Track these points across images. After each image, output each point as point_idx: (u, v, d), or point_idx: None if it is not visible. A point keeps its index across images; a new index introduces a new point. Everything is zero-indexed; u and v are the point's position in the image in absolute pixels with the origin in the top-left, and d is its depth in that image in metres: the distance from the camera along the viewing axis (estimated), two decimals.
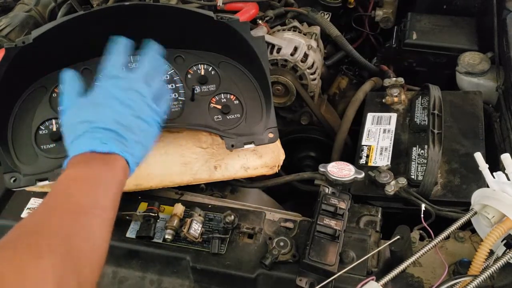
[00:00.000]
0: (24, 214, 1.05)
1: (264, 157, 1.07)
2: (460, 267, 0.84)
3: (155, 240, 0.96)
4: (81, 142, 0.72)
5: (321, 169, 1.01)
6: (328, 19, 1.53)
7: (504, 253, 0.79)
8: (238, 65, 1.07)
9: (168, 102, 0.86)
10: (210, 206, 1.02)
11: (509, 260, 0.77)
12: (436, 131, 1.09)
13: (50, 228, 0.61)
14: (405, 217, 1.03)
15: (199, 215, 0.96)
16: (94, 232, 0.65)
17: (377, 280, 0.75)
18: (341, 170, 1.00)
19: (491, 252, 0.78)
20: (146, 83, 0.79)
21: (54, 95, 1.01)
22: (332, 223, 0.89)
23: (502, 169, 0.83)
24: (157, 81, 0.83)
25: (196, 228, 0.94)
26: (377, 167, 1.05)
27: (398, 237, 0.83)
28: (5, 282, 0.52)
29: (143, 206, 1.00)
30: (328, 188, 0.96)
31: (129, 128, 0.74)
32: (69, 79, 0.82)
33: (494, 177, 0.83)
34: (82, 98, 0.78)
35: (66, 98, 0.80)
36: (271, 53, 1.31)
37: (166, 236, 0.95)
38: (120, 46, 0.84)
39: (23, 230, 0.61)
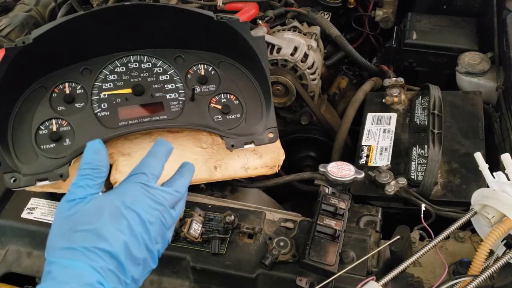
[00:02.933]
0: (24, 214, 1.05)
1: (264, 157, 1.07)
2: (460, 267, 0.84)
3: None
4: (71, 264, 0.58)
5: (321, 169, 1.01)
6: (328, 19, 1.53)
7: (504, 253, 0.79)
8: (238, 65, 1.07)
9: (171, 234, 0.75)
10: (210, 206, 1.02)
11: (509, 260, 0.77)
12: (436, 131, 1.09)
13: None
14: (405, 217, 1.04)
15: (199, 215, 0.96)
16: None
17: (377, 280, 0.75)
18: (341, 170, 1.00)
19: (491, 252, 0.78)
20: (172, 207, 0.70)
21: (54, 95, 1.01)
22: (332, 223, 0.89)
23: (502, 169, 0.83)
24: (180, 209, 0.74)
25: (196, 228, 0.94)
26: (377, 167, 1.05)
27: (398, 237, 0.83)
28: None
29: None
30: (328, 188, 0.96)
31: (134, 260, 0.62)
32: (96, 154, 0.68)
33: (494, 177, 0.83)
34: (102, 197, 0.65)
35: (86, 186, 0.65)
36: (271, 53, 1.31)
37: None
38: (162, 149, 0.74)
39: None
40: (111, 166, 1.03)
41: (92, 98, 1.01)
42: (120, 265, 0.60)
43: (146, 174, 0.69)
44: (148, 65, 1.05)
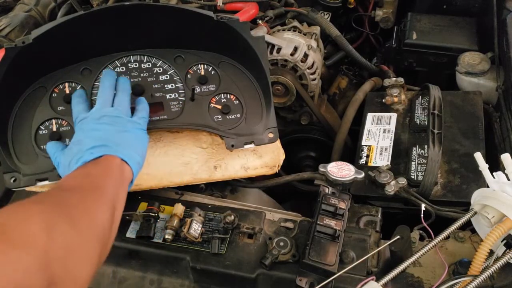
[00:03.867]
0: None
1: (264, 157, 1.07)
2: (460, 267, 0.84)
3: (155, 240, 0.96)
4: (75, 165, 0.82)
5: (321, 169, 1.01)
6: (328, 19, 1.53)
7: (504, 253, 0.79)
8: (238, 65, 1.07)
9: (146, 108, 0.95)
10: (210, 206, 1.02)
11: (509, 260, 0.77)
12: (436, 131, 1.09)
13: (47, 196, 0.71)
14: (405, 217, 1.04)
15: (199, 215, 0.96)
16: (92, 206, 0.72)
17: (377, 280, 0.75)
18: (341, 170, 1.00)
19: (491, 252, 0.78)
20: (113, 106, 0.90)
21: (54, 95, 1.01)
22: (332, 223, 0.89)
23: (502, 169, 0.83)
24: (123, 99, 0.93)
25: (196, 228, 0.94)
26: (377, 167, 1.05)
27: (398, 237, 0.83)
28: None
29: (143, 206, 1.00)
30: (328, 188, 0.96)
31: (112, 140, 0.84)
32: (51, 146, 0.92)
33: (494, 177, 0.83)
34: (66, 147, 0.89)
35: (56, 156, 0.89)
36: (271, 53, 1.31)
37: (166, 236, 0.95)
38: (76, 99, 0.95)
39: (28, 200, 0.68)
40: None
41: (92, 98, 1.01)
42: (103, 145, 0.83)
43: (77, 117, 0.90)
44: (148, 65, 1.05)
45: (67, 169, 0.83)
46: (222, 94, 1.05)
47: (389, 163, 1.12)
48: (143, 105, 0.95)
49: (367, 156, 1.16)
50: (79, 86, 1.02)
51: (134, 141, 0.88)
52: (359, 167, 1.10)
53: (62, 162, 0.86)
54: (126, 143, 0.85)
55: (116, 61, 1.04)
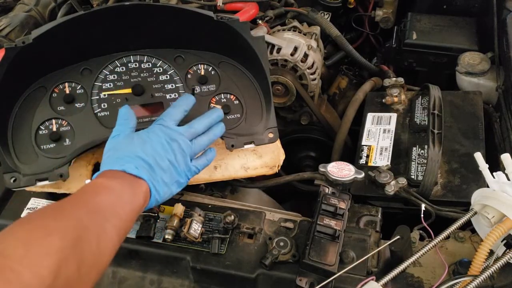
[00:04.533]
0: (24, 214, 1.05)
1: (264, 157, 1.07)
2: (460, 267, 0.84)
3: (155, 240, 0.96)
4: (119, 163, 0.82)
5: (321, 169, 1.01)
6: (328, 19, 1.53)
7: (504, 253, 0.79)
8: (238, 65, 1.07)
9: (207, 163, 0.94)
10: (210, 206, 1.02)
11: (509, 260, 0.77)
12: (436, 131, 1.09)
13: (67, 216, 0.67)
14: (405, 217, 1.04)
15: (199, 215, 0.96)
16: (106, 234, 0.70)
17: (377, 280, 0.75)
18: (341, 170, 1.00)
19: (491, 252, 0.78)
20: (192, 141, 0.90)
21: (54, 95, 1.01)
22: (332, 223, 0.89)
23: (502, 169, 0.83)
24: (203, 144, 0.92)
25: (196, 228, 0.94)
26: (377, 167, 1.05)
27: (398, 237, 0.83)
28: (12, 252, 0.57)
29: None
30: (328, 188, 0.96)
31: (162, 168, 0.84)
32: (126, 113, 0.91)
33: (494, 177, 0.83)
34: (134, 134, 0.89)
35: (120, 129, 0.89)
36: (271, 53, 1.31)
37: (166, 236, 0.95)
38: (184, 103, 0.94)
39: (42, 213, 0.69)
40: None
41: (92, 98, 1.01)
42: (149, 166, 0.83)
43: (163, 119, 0.90)
44: (148, 65, 1.05)
45: (112, 156, 0.84)
46: (222, 94, 1.05)
47: (389, 163, 1.12)
48: (208, 157, 0.94)
49: (367, 156, 1.16)
50: (79, 86, 1.02)
51: (174, 183, 0.87)
52: (359, 167, 1.10)
53: (117, 142, 0.86)
54: (167, 180, 0.85)
55: (116, 61, 1.04)
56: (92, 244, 0.67)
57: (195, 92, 1.03)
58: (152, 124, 0.90)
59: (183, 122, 0.93)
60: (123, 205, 0.76)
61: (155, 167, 0.83)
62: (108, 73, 1.03)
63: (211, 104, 1.04)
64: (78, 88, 1.02)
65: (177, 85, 1.04)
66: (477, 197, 0.85)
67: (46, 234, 0.61)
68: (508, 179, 0.81)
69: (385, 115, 1.25)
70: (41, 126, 0.98)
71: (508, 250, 0.79)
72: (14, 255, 0.57)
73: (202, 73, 1.07)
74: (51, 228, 0.63)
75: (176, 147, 0.87)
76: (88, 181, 0.95)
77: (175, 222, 0.95)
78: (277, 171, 1.08)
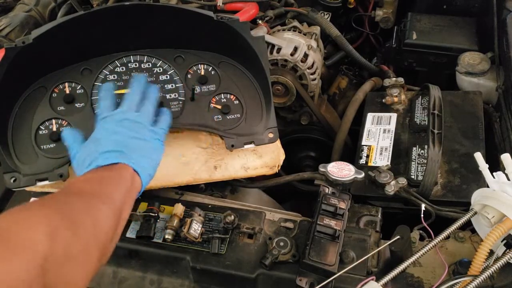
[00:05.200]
0: None
1: (264, 157, 1.07)
2: (460, 267, 0.84)
3: (155, 240, 0.96)
4: (87, 165, 0.82)
5: (321, 169, 1.01)
6: (328, 19, 1.53)
7: (504, 253, 0.79)
8: (238, 65, 1.07)
9: (168, 120, 0.94)
10: (210, 206, 1.02)
11: (509, 260, 0.77)
12: (436, 131, 1.09)
13: (55, 199, 0.71)
14: (405, 217, 1.04)
15: (199, 215, 0.96)
16: (98, 213, 0.72)
17: (377, 280, 0.75)
18: (341, 170, 1.00)
19: (491, 252, 0.78)
20: (137, 110, 0.90)
21: (54, 95, 1.01)
22: (332, 223, 0.89)
23: (502, 169, 0.83)
24: (149, 107, 0.92)
25: (196, 228, 0.94)
26: (377, 167, 1.05)
27: (398, 237, 0.83)
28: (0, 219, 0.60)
29: (143, 206, 1.00)
30: (328, 188, 0.96)
31: (130, 147, 0.84)
32: (70, 134, 0.91)
33: (494, 177, 0.83)
34: (86, 141, 0.89)
35: (73, 148, 0.89)
36: (271, 53, 1.31)
37: (166, 236, 0.95)
38: (104, 92, 0.93)
39: (33, 201, 0.70)
40: None
41: (92, 98, 1.01)
42: (118, 152, 0.83)
43: (100, 113, 0.90)
44: (148, 65, 1.05)
45: (81, 167, 0.84)
46: (222, 94, 1.05)
47: (389, 163, 1.12)
48: (165, 117, 0.95)
49: (367, 156, 1.16)
50: (79, 86, 1.02)
51: (150, 151, 0.87)
52: (359, 167, 1.10)
53: (77, 158, 0.87)
54: (141, 152, 0.85)
55: (116, 61, 1.04)
56: (84, 219, 0.68)
57: (195, 92, 1.03)
58: (95, 125, 0.90)
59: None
60: (108, 186, 0.77)
61: (124, 150, 0.83)
62: (108, 73, 1.03)
63: (211, 105, 1.04)
64: (78, 88, 1.02)
65: (177, 85, 1.04)
66: (477, 197, 0.85)
67: (31, 213, 0.63)
68: (508, 179, 0.81)
69: (385, 115, 1.25)
70: (41, 126, 0.98)
71: (508, 250, 0.79)
72: (1, 226, 0.58)
73: (202, 73, 1.07)
74: (35, 208, 0.66)
75: (128, 124, 0.87)
76: None
77: (175, 222, 0.95)
78: (277, 171, 1.08)
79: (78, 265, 0.64)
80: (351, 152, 1.33)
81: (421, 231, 0.93)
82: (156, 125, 0.91)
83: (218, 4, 1.42)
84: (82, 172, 0.83)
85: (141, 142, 0.86)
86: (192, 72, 1.06)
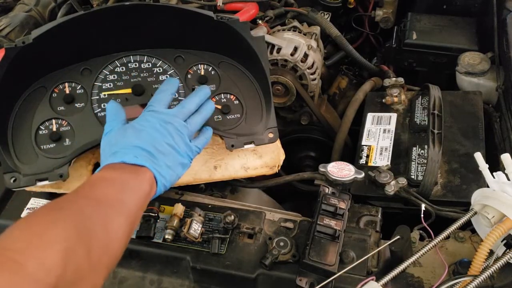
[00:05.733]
0: (24, 214, 1.05)
1: (264, 157, 1.07)
2: (460, 267, 0.84)
3: (155, 240, 0.96)
4: (117, 156, 0.81)
5: (321, 169, 1.01)
6: (328, 19, 1.53)
7: (504, 253, 0.79)
8: (238, 65, 1.07)
9: (206, 141, 0.94)
10: (210, 206, 1.02)
11: (509, 260, 0.77)
12: (436, 131, 1.09)
13: (67, 209, 0.68)
14: (405, 217, 1.04)
15: (199, 215, 0.96)
16: (112, 222, 0.70)
17: (377, 280, 0.75)
18: (341, 170, 1.00)
19: (491, 252, 0.78)
20: (186, 121, 0.89)
21: (54, 95, 1.01)
22: (332, 223, 0.89)
23: (502, 169, 0.83)
24: (198, 122, 0.92)
25: (196, 228, 0.94)
26: (377, 167, 1.05)
27: (398, 237, 0.83)
28: (14, 245, 0.58)
29: None
30: (328, 188, 0.96)
31: (162, 152, 0.83)
32: (114, 108, 0.91)
33: (494, 177, 0.83)
34: (126, 125, 0.88)
35: (111, 125, 0.88)
36: (271, 53, 1.31)
37: (166, 236, 0.95)
38: (169, 87, 0.93)
39: (42, 209, 0.68)
40: None
41: (92, 98, 1.01)
42: (149, 153, 0.81)
43: (152, 105, 0.89)
44: (148, 65, 1.05)
45: (107, 150, 0.83)
46: (222, 94, 1.05)
47: (389, 163, 1.12)
48: (205, 136, 0.94)
49: (367, 156, 1.16)
50: (79, 86, 1.02)
51: (177, 164, 0.86)
52: (359, 167, 1.10)
53: (109, 137, 0.85)
54: (169, 162, 0.84)
55: (116, 61, 1.04)
56: (98, 231, 0.67)
57: None
58: (142, 112, 0.89)
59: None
60: (127, 193, 0.76)
61: (155, 153, 0.82)
62: (108, 73, 1.03)
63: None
64: (78, 88, 1.02)
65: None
66: (477, 197, 0.85)
67: (47, 228, 0.61)
68: (508, 179, 0.81)
69: (385, 115, 1.25)
70: (41, 126, 0.98)
71: (508, 250, 0.79)
72: (16, 247, 0.57)
73: (202, 73, 1.07)
74: (52, 220, 0.64)
75: (172, 129, 0.85)
76: None
77: (175, 222, 0.95)
78: (277, 171, 1.08)
79: (87, 283, 0.63)
80: (351, 152, 1.33)
81: (421, 231, 0.93)
82: (194, 141, 0.90)
83: (218, 4, 1.42)
84: (105, 156, 0.83)
85: (174, 152, 0.85)
86: (192, 72, 1.06)
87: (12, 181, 0.93)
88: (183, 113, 0.89)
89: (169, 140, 0.84)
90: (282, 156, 1.08)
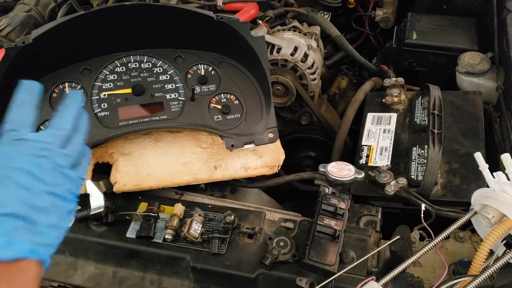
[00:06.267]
0: None
1: (264, 157, 1.07)
2: (460, 267, 0.84)
3: (155, 240, 0.96)
4: None
5: (321, 169, 1.01)
6: (328, 19, 1.53)
7: (504, 253, 0.79)
8: (238, 65, 1.07)
9: (88, 164, 0.69)
10: (210, 206, 1.02)
11: (509, 260, 0.77)
12: (436, 131, 1.09)
13: None
14: (405, 217, 1.04)
15: (199, 215, 0.96)
16: None
17: (377, 280, 0.75)
18: (341, 170, 1.00)
19: (491, 252, 0.78)
20: (63, 146, 0.63)
21: (54, 95, 1.01)
22: (332, 223, 0.89)
23: (502, 169, 0.83)
24: (77, 143, 0.66)
25: (196, 228, 0.94)
26: (377, 167, 1.05)
27: (398, 237, 0.83)
28: None
29: (143, 206, 1.00)
30: (328, 188, 0.96)
31: (41, 209, 0.57)
32: None
33: (494, 177, 0.83)
34: None
35: None
36: (271, 53, 1.31)
37: (166, 236, 0.95)
38: (27, 94, 0.66)
39: None
40: (111, 166, 1.03)
41: (92, 98, 1.01)
42: (26, 220, 0.55)
43: (14, 129, 0.61)
44: (148, 65, 1.05)
45: None
46: (222, 94, 1.05)
47: (389, 163, 1.12)
48: (86, 157, 0.68)
49: (367, 156, 1.16)
50: (79, 86, 1.02)
51: (62, 215, 0.61)
52: (359, 167, 1.10)
53: None
54: (55, 220, 0.59)
55: (116, 61, 1.04)
56: None
57: (195, 92, 1.03)
58: None
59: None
60: None
61: (32, 216, 0.56)
62: (108, 73, 1.03)
63: (211, 105, 1.04)
64: (78, 88, 1.02)
65: (177, 85, 1.04)
66: (477, 197, 0.85)
67: None
68: (508, 179, 0.81)
69: (385, 115, 1.25)
70: (41, 126, 0.98)
71: (508, 250, 0.79)
72: None
73: (202, 73, 1.07)
74: None
75: (49, 166, 0.59)
76: (88, 181, 0.95)
77: (175, 222, 0.95)
78: (277, 171, 1.08)
79: None
80: (351, 152, 1.33)
81: (421, 231, 0.93)
82: (75, 169, 0.64)
83: (218, 4, 1.43)
84: None
85: (57, 201, 0.60)
86: (192, 72, 1.06)
87: None
88: (60, 137, 0.63)
89: (49, 186, 0.59)
90: (282, 156, 1.08)
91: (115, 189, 1.01)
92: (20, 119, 0.63)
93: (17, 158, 0.58)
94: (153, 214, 0.97)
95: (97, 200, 0.94)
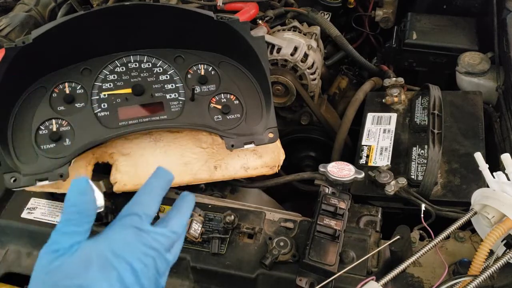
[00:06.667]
0: (24, 214, 1.05)
1: (264, 157, 1.07)
2: (460, 267, 0.84)
3: None
4: None
5: (321, 169, 1.01)
6: (328, 19, 1.53)
7: (504, 253, 0.79)
8: (238, 65, 1.07)
9: (165, 279, 0.67)
10: (210, 206, 1.02)
11: (509, 260, 0.77)
12: (436, 131, 1.09)
13: None
14: (405, 217, 1.04)
15: (199, 215, 0.96)
16: None
17: (377, 280, 0.75)
18: (341, 170, 1.00)
19: (491, 252, 0.78)
20: (168, 250, 0.65)
21: (54, 95, 1.01)
22: (332, 223, 0.89)
23: (502, 169, 0.83)
24: (178, 249, 0.69)
25: (196, 228, 0.94)
26: (377, 167, 1.05)
27: (398, 237, 0.83)
28: None
29: None
30: (328, 188, 0.96)
31: None
32: (83, 194, 0.60)
33: (494, 177, 0.83)
34: (90, 243, 0.58)
35: (71, 235, 0.58)
36: (271, 53, 1.31)
37: None
38: (159, 181, 0.67)
39: None
40: (111, 166, 1.03)
41: (92, 98, 1.01)
42: None
43: (139, 215, 0.62)
44: (148, 65, 1.05)
45: None
46: (222, 94, 1.05)
47: (389, 163, 1.12)
48: (180, 242, 0.70)
49: (367, 156, 1.16)
50: (79, 86, 1.02)
51: None
52: (359, 167, 1.10)
53: (64, 262, 0.56)
54: None
55: (116, 61, 1.04)
56: None
57: (195, 92, 1.03)
58: (119, 220, 0.62)
59: None
60: None
61: None
62: (108, 73, 1.03)
63: (211, 105, 1.04)
64: (78, 88, 1.02)
65: (177, 85, 1.04)
66: (477, 197, 0.85)
67: None
68: (508, 179, 0.81)
69: (385, 115, 1.25)
70: (41, 126, 0.98)
71: (508, 250, 0.79)
72: None
73: (202, 73, 1.07)
74: None
75: (151, 272, 0.60)
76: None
77: None
78: (277, 171, 1.08)
79: None
80: (351, 152, 1.33)
81: (421, 231, 0.93)
82: (171, 251, 0.68)
83: (218, 4, 1.43)
84: None
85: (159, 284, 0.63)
86: (192, 72, 1.06)
87: (12, 181, 0.93)
88: (170, 240, 0.64)
89: (159, 271, 0.61)
90: (282, 156, 1.08)
91: (115, 189, 1.01)
92: (146, 206, 0.64)
93: (130, 248, 0.59)
94: None
95: (97, 200, 0.94)
